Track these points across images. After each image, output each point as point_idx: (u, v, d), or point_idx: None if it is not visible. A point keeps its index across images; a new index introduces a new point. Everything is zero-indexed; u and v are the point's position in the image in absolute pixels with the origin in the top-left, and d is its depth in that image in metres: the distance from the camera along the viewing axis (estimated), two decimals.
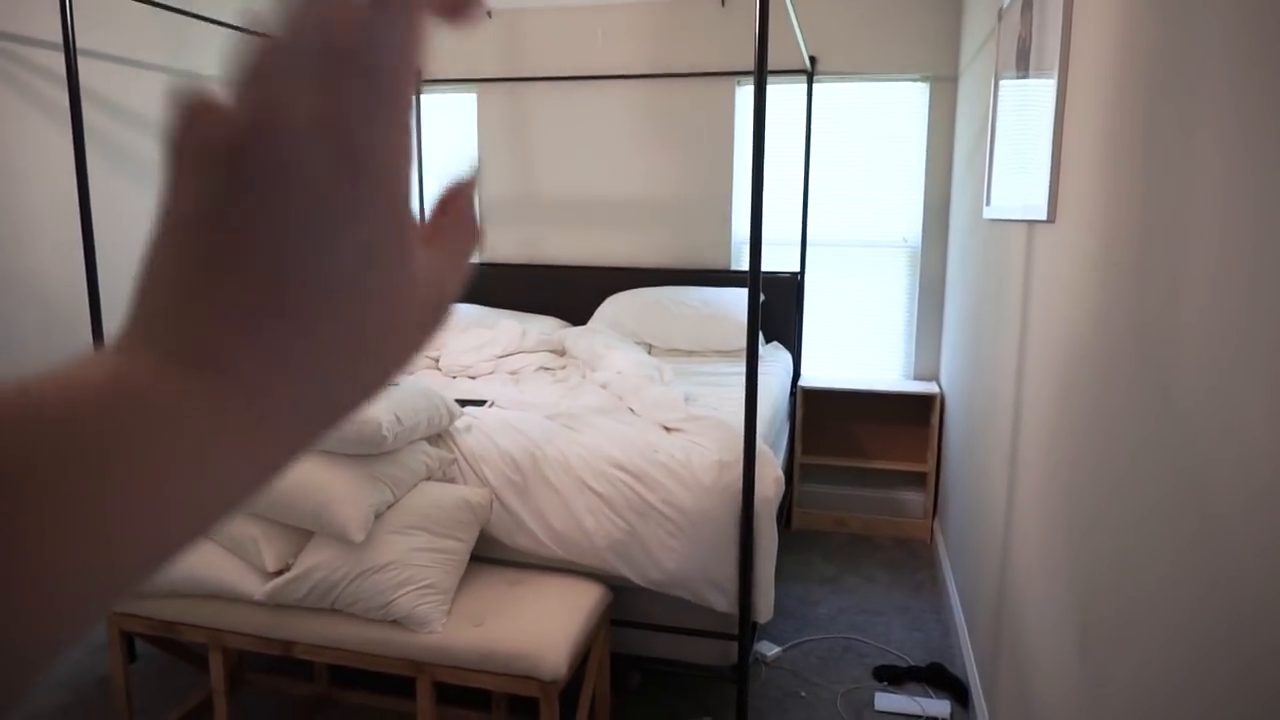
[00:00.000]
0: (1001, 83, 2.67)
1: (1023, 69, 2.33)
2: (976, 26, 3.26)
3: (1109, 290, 1.45)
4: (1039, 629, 1.81)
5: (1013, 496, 2.15)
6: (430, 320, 0.28)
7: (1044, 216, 1.90)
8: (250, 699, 2.57)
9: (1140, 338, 1.28)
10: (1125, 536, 1.30)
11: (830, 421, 3.97)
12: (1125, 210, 1.38)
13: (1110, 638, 1.34)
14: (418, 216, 0.27)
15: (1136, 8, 1.37)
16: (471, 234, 0.31)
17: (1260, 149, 0.93)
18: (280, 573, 2.13)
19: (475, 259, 0.31)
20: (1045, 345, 1.89)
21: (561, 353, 3.54)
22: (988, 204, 2.75)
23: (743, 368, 3.47)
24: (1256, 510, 0.89)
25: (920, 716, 2.47)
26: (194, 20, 3.68)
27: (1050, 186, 1.87)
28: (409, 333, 0.27)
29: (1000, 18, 2.69)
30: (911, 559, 3.60)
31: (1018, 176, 2.29)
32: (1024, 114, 2.30)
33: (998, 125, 2.71)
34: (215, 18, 3.53)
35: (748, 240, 4.12)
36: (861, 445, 3.95)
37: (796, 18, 3.83)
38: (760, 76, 2.05)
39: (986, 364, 2.69)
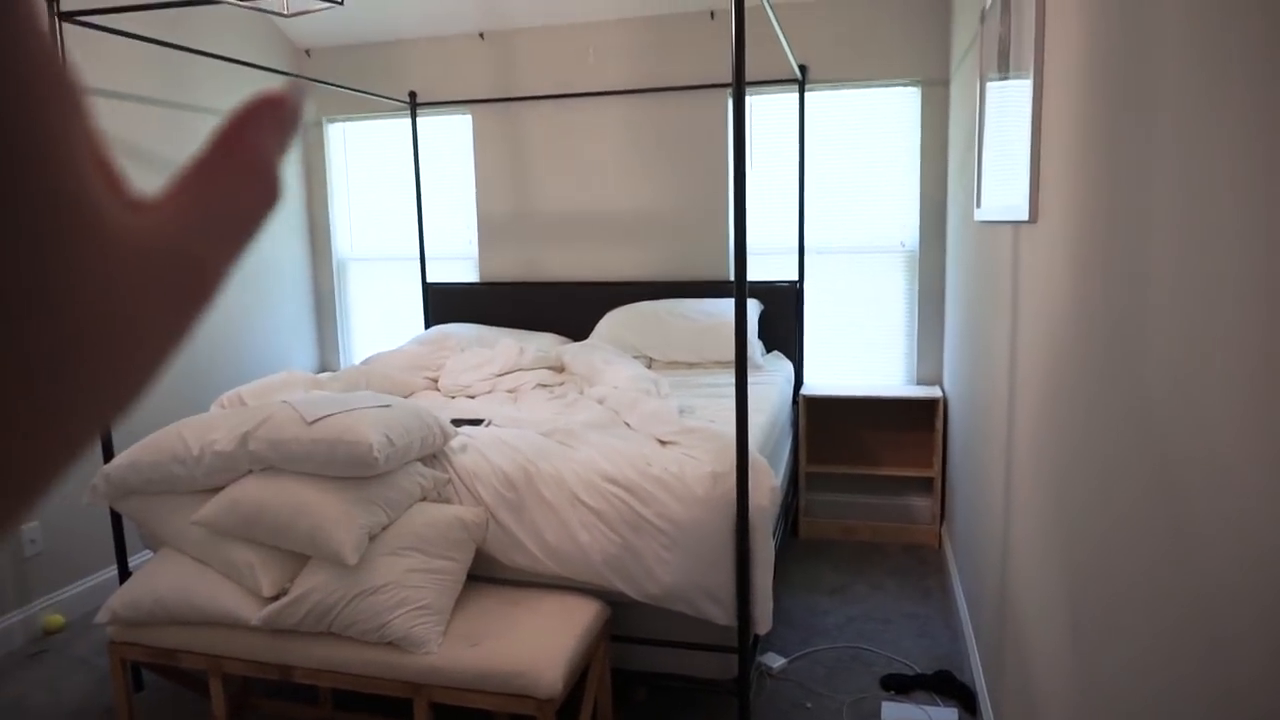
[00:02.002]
0: (987, 85, 2.66)
1: (1004, 70, 2.32)
2: (964, 29, 3.26)
3: (1083, 289, 1.44)
4: (1036, 629, 1.79)
5: (1009, 497, 2.13)
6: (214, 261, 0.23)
7: (1025, 217, 1.89)
8: None
9: (1112, 337, 1.27)
10: (1106, 533, 1.29)
11: (835, 429, 3.95)
12: (1095, 209, 1.37)
13: (1096, 633, 1.33)
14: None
15: (1100, 8, 1.37)
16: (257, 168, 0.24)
17: (1209, 146, 0.92)
18: (277, 598, 2.13)
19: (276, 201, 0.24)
20: (1032, 346, 1.88)
21: (560, 369, 3.54)
22: (978, 206, 2.74)
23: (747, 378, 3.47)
24: (1224, 503, 0.88)
25: None
26: (187, 54, 3.74)
27: (1030, 187, 1.87)
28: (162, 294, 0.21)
29: (983, 19, 2.69)
30: (920, 565, 3.57)
31: (1003, 178, 2.29)
32: (1006, 115, 2.29)
33: (985, 127, 2.70)
34: (206, 51, 3.58)
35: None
36: (867, 452, 3.93)
37: (781, 28, 3.85)
38: (739, 89, 2.06)
39: (982, 366, 2.67)
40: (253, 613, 2.11)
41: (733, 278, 4.07)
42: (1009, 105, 2.23)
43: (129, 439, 2.80)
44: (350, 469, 2.11)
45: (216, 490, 2.25)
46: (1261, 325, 0.78)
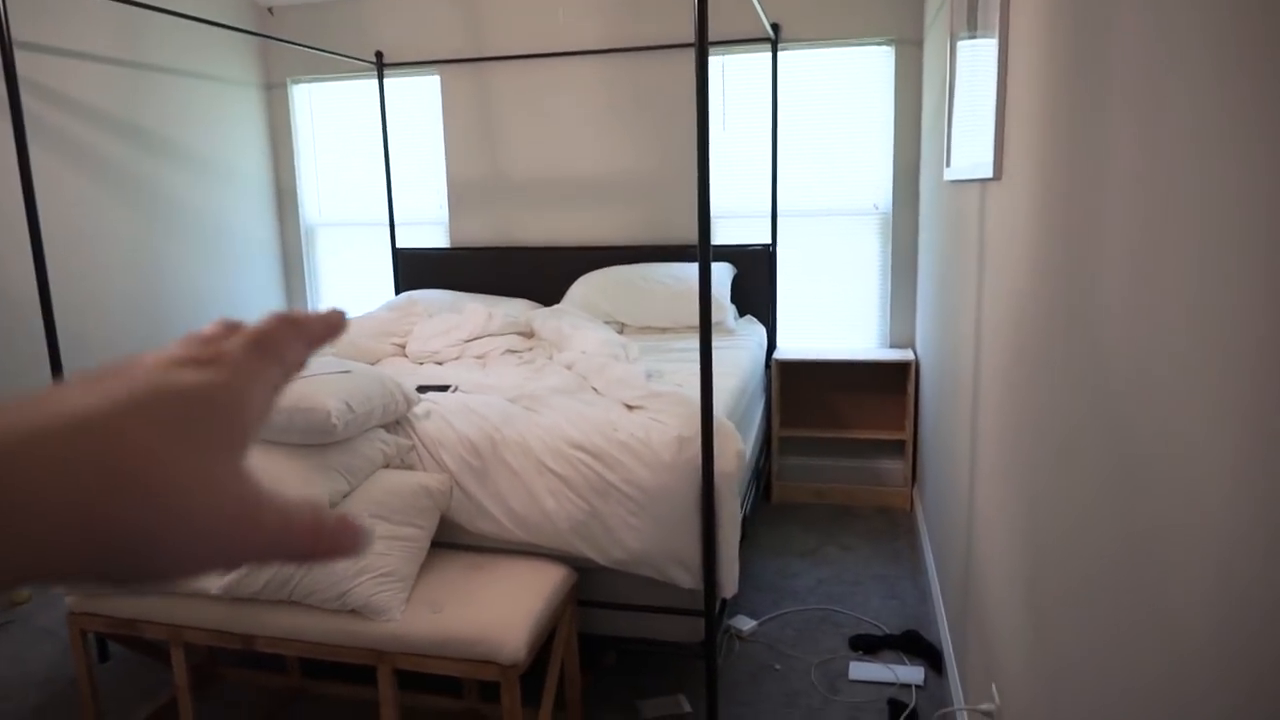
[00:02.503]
0: (958, 44, 2.62)
1: (972, 29, 2.28)
2: None
3: (1043, 246, 1.42)
4: (998, 592, 1.80)
5: (974, 459, 2.13)
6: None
7: (990, 174, 1.86)
8: (224, 693, 2.56)
9: (1069, 296, 1.25)
10: (1065, 497, 1.28)
11: (808, 393, 3.94)
12: (1055, 166, 1.34)
13: (1051, 592, 1.32)
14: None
15: None
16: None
17: (1161, 103, 0.90)
18: None
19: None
20: (997, 305, 1.86)
21: (530, 335, 3.51)
22: (948, 165, 2.71)
23: (716, 342, 3.45)
24: (1178, 477, 0.87)
25: (894, 684, 2.46)
26: (141, 10, 3.62)
27: (995, 143, 1.84)
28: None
29: None
30: (891, 527, 3.59)
31: (972, 137, 2.26)
32: (975, 74, 2.26)
33: (956, 86, 2.66)
34: (161, 6, 3.47)
35: (718, 214, 4.09)
36: (840, 416, 3.93)
37: None
38: (701, 49, 2.00)
39: (950, 328, 2.66)
40: (213, 582, 2.08)
41: (710, 243, 4.05)
42: (978, 64, 2.20)
43: None
44: (308, 436, 2.08)
45: None
46: (1210, 285, 0.76)
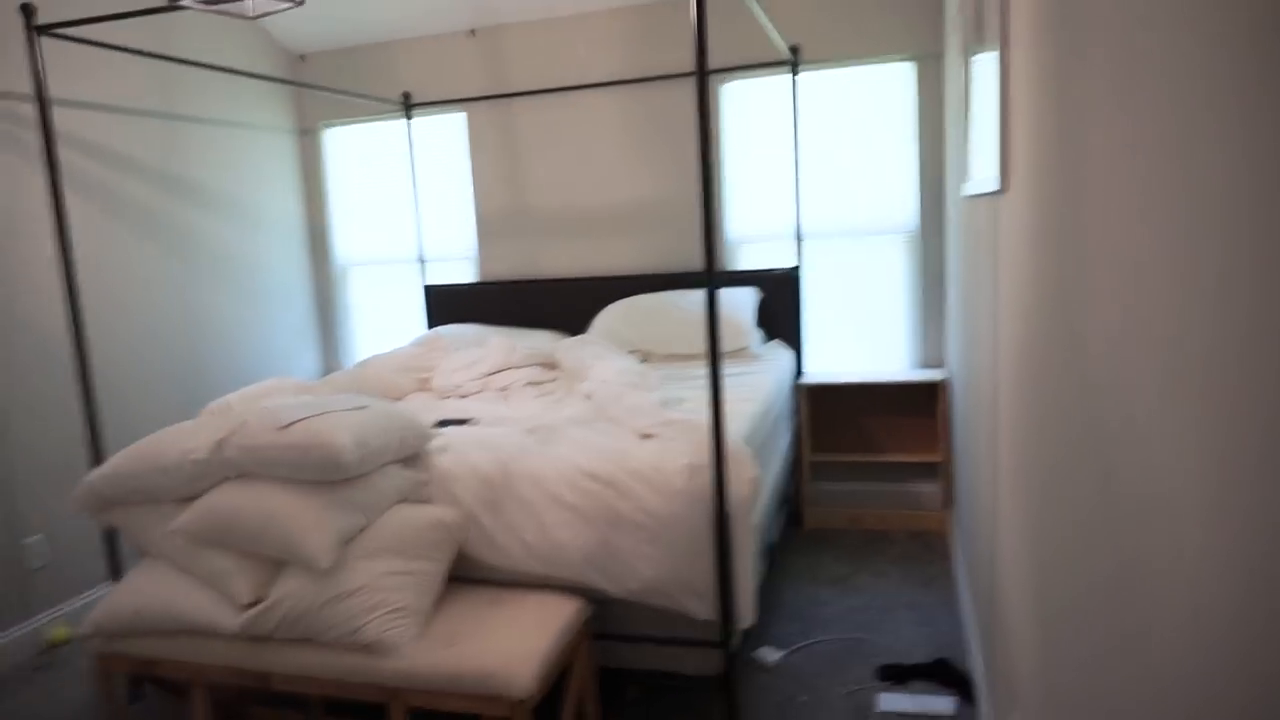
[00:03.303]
0: (971, 57, 2.58)
1: (980, 40, 2.25)
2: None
3: (1040, 258, 1.38)
4: (1016, 616, 1.73)
5: (997, 481, 2.06)
6: None
7: (998, 186, 1.82)
8: None
9: (1060, 309, 1.21)
10: (1067, 515, 1.23)
11: (839, 417, 3.88)
12: (1048, 176, 1.31)
13: (1060, 619, 1.27)
14: None
15: None
16: None
17: (1137, 112, 0.87)
18: (255, 604, 2.12)
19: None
20: (1009, 321, 1.81)
21: (552, 366, 3.51)
22: (966, 180, 2.66)
23: (739, 367, 3.43)
24: (1159, 510, 0.82)
25: (924, 715, 2.38)
26: (174, 63, 3.75)
27: (1000, 154, 1.80)
28: None
29: None
30: (926, 552, 3.49)
31: (985, 151, 2.21)
32: (986, 86, 2.22)
33: (971, 100, 2.62)
34: (197, 60, 3.60)
35: (743, 238, 4.07)
36: (873, 439, 3.85)
37: (768, 9, 3.78)
38: (701, 76, 2.00)
39: (973, 346, 2.60)
40: (230, 621, 2.11)
41: (730, 267, 4.03)
42: (986, 76, 2.16)
43: (117, 447, 2.82)
44: (322, 473, 2.09)
45: (196, 499, 2.25)
46: (1183, 301, 0.72)
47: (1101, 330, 0.97)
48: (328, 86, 4.32)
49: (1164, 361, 0.73)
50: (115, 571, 2.80)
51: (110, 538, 2.82)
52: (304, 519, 2.06)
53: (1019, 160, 1.62)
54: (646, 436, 2.45)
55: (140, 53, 3.11)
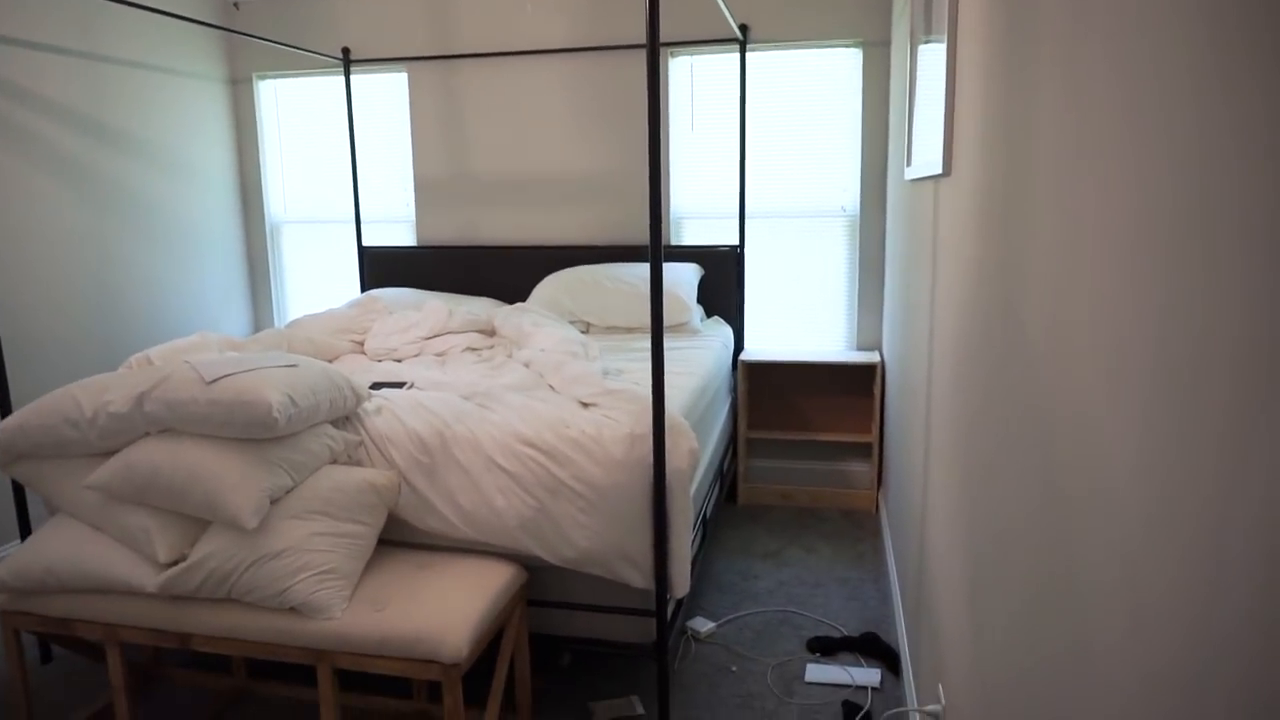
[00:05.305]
0: (919, 46, 2.61)
1: (929, 31, 2.28)
2: None
3: (984, 241, 1.40)
4: (944, 594, 1.77)
5: (928, 463, 2.11)
6: None
7: (941, 170, 1.85)
8: (167, 695, 2.50)
9: (1006, 293, 1.23)
10: (998, 496, 1.26)
11: (775, 395, 3.92)
12: (993, 159, 1.33)
13: (986, 592, 1.30)
14: None
15: None
16: None
17: (1085, 101, 0.88)
18: (175, 564, 2.05)
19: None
20: (947, 304, 1.85)
21: (491, 333, 3.47)
22: (909, 165, 2.70)
23: (680, 342, 3.43)
24: (1096, 493, 0.84)
25: (850, 686, 2.44)
26: (103, 2, 3.57)
27: (945, 137, 1.83)
28: None
29: None
30: (856, 529, 3.56)
31: (929, 136, 2.25)
32: (933, 75, 2.25)
33: (917, 88, 2.65)
34: None
35: (686, 214, 4.07)
36: (807, 418, 3.91)
37: None
38: (653, 50, 1.97)
39: (909, 330, 2.65)
40: (149, 580, 2.03)
41: (673, 241, 4.03)
42: (933, 64, 2.19)
43: (29, 401, 2.69)
44: (249, 430, 2.03)
45: (113, 454, 2.16)
46: (1131, 290, 0.73)
47: (1043, 316, 0.99)
48: (263, 35, 4.16)
49: (1109, 351, 0.75)
50: (25, 528, 2.68)
51: (19, 492, 2.69)
52: (229, 477, 2.00)
53: (964, 145, 1.64)
54: (587, 405, 2.44)
55: None
